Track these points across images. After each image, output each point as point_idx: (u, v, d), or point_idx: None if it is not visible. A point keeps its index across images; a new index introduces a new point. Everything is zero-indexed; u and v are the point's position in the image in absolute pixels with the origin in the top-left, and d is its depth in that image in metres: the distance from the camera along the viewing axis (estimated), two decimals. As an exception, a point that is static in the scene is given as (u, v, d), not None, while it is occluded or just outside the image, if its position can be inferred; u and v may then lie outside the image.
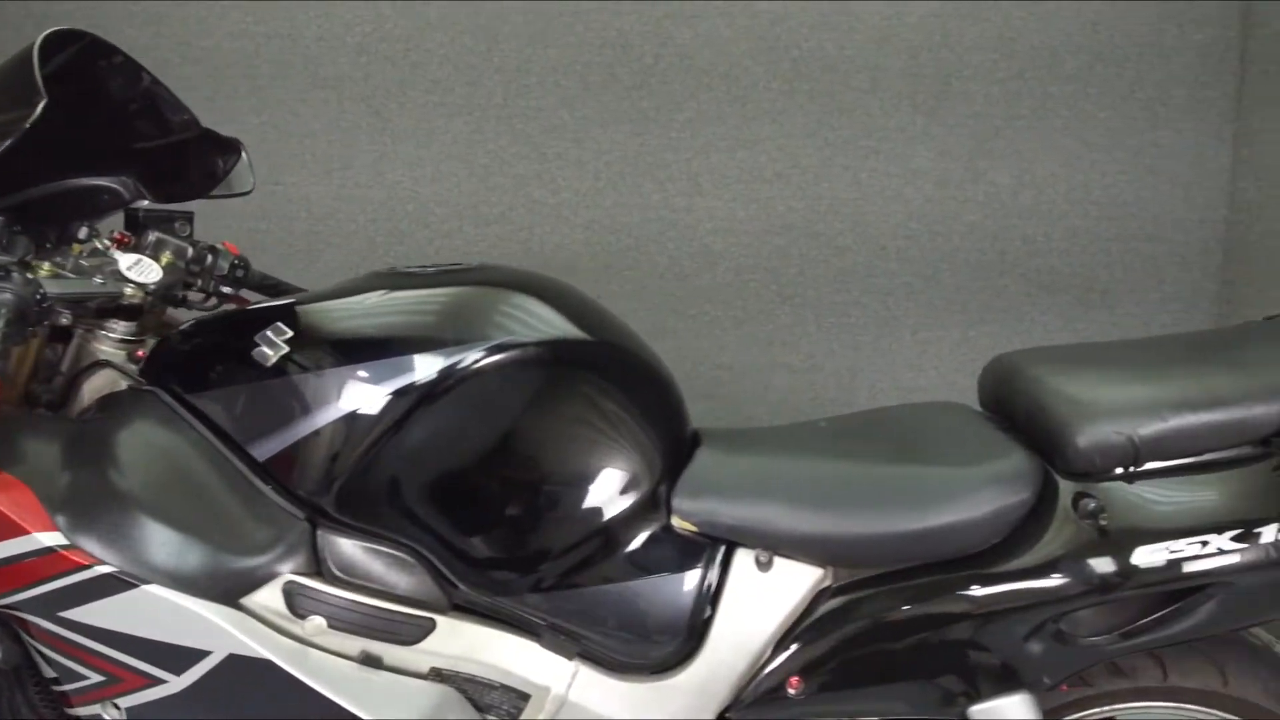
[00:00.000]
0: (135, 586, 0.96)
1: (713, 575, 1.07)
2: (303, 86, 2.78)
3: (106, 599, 0.96)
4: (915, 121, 2.78)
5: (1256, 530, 0.96)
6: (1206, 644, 1.12)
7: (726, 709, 1.06)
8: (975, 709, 1.03)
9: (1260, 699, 1.11)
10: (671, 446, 1.12)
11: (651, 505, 1.08)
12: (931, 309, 2.84)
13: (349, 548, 1.03)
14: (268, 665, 0.97)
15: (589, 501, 1.06)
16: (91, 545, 0.95)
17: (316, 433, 1.01)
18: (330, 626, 1.01)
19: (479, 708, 1.05)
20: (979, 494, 1.02)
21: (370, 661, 1.03)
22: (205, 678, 0.96)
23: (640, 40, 2.76)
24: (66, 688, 0.99)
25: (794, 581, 1.06)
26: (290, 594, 1.01)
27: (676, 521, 1.08)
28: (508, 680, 1.05)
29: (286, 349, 1.01)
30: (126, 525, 0.98)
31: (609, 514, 1.06)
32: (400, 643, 1.03)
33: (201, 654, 0.97)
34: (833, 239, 2.84)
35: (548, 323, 1.07)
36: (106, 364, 1.12)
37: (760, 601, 1.06)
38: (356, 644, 1.02)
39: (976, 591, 1.02)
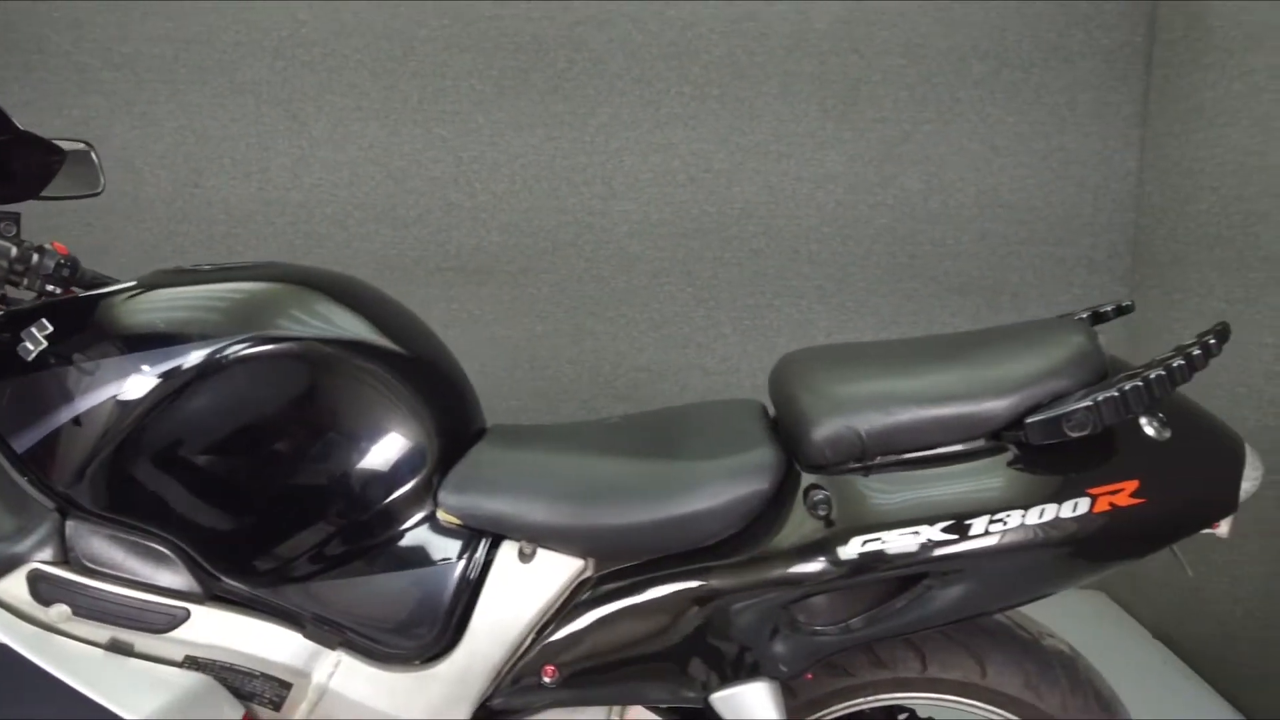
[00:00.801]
0: None
1: (476, 566, 1.10)
2: (221, 91, 2.82)
3: None
4: (825, 126, 2.80)
5: (967, 522, 0.99)
6: (967, 636, 1.15)
7: (488, 698, 1.10)
8: (716, 695, 1.06)
9: (1019, 692, 1.13)
10: (447, 441, 1.14)
11: (418, 498, 1.11)
12: (844, 311, 2.87)
13: (99, 537, 1.06)
14: (4, 650, 1.00)
15: (350, 495, 1.08)
16: None
17: (71, 423, 1.03)
18: (76, 614, 1.04)
19: (241, 696, 1.08)
20: (718, 485, 1.05)
21: (119, 649, 1.06)
22: None
23: (554, 45, 2.79)
24: None
25: (554, 572, 1.09)
26: (34, 581, 1.03)
27: (441, 514, 1.11)
28: (268, 669, 1.08)
29: (46, 343, 1.04)
30: None
31: (371, 507, 1.09)
32: (150, 631, 1.06)
33: None
34: (746, 242, 2.86)
35: (320, 317, 1.09)
36: None
37: (521, 592, 1.08)
38: (105, 632, 1.05)
39: (714, 580, 1.04)
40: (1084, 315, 1.24)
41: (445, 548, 1.11)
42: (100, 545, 1.07)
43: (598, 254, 2.88)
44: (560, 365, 2.93)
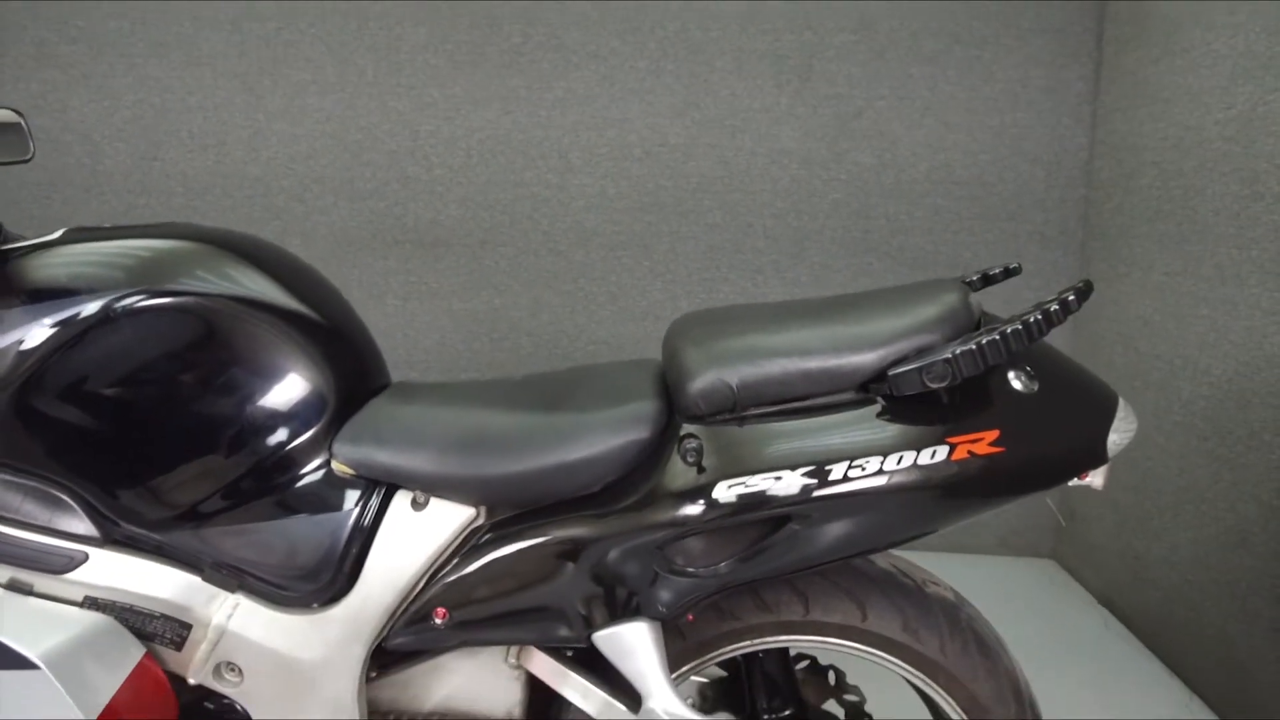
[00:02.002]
0: None
1: (370, 514, 1.13)
2: (178, 64, 2.83)
3: None
4: (780, 102, 2.83)
5: (827, 468, 1.02)
6: (849, 581, 1.19)
7: (383, 639, 1.13)
8: (599, 634, 1.10)
9: (898, 635, 1.17)
10: (344, 395, 1.17)
11: (313, 449, 1.14)
12: (798, 285, 2.90)
13: None
14: None
15: (243, 445, 1.11)
16: None
17: None
18: None
19: (143, 636, 1.12)
20: (600, 434, 1.08)
21: (18, 588, 1.09)
22: None
23: (509, 20, 2.81)
24: None
25: (446, 520, 1.12)
26: None
27: (336, 465, 1.14)
28: (168, 611, 1.11)
29: None
30: None
31: (265, 456, 1.12)
32: (49, 572, 1.10)
33: None
34: (702, 216, 2.89)
35: (220, 274, 1.12)
36: None
37: (413, 539, 1.12)
38: (4, 572, 1.09)
39: (595, 526, 1.08)
40: (974, 278, 1.27)
41: (340, 497, 1.14)
42: None
43: (555, 228, 2.91)
44: (519, 337, 2.97)
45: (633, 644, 1.09)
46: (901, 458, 1.01)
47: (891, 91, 2.81)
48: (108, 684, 1.06)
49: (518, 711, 1.20)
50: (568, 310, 2.95)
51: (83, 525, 1.11)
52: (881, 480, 1.02)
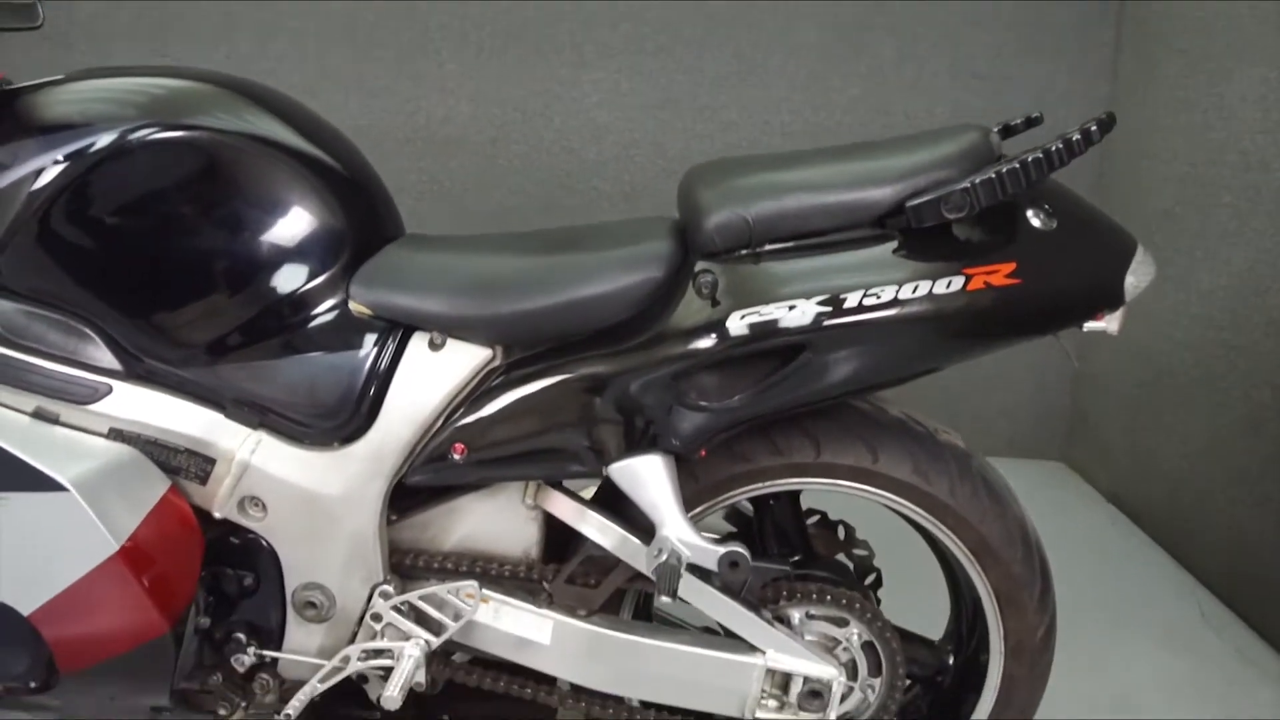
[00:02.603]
0: None
1: (387, 355, 1.14)
2: (185, -45, 2.79)
3: None
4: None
5: (842, 296, 1.02)
6: (860, 426, 1.19)
7: (403, 475, 1.16)
8: (614, 466, 1.12)
9: (908, 477, 1.18)
10: (361, 240, 1.17)
11: (330, 290, 1.15)
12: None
13: (20, 313, 1.11)
14: None
15: (261, 281, 1.12)
16: None
17: None
18: (1, 382, 1.10)
19: (168, 470, 1.14)
20: (613, 272, 1.08)
21: (45, 417, 1.12)
22: None
23: (520, -93, 2.74)
24: None
25: (463, 360, 1.13)
26: None
27: (353, 305, 1.15)
28: (192, 445, 1.14)
29: None
30: None
31: (282, 294, 1.13)
32: (74, 402, 1.12)
33: None
34: (717, 112, 2.85)
35: (237, 114, 1.11)
36: None
37: (431, 378, 1.13)
38: (30, 400, 1.11)
39: (611, 362, 1.09)
40: (995, 129, 1.25)
41: (358, 337, 1.15)
42: (23, 320, 1.11)
43: (567, 125, 2.87)
44: (531, 238, 2.95)
45: (647, 475, 1.11)
46: (917, 287, 1.01)
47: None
48: (134, 512, 1.08)
49: (534, 552, 1.23)
50: (581, 210, 2.93)
51: (106, 359, 1.13)
52: (896, 310, 1.02)
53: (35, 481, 1.04)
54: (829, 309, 1.02)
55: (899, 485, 1.18)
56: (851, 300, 1.02)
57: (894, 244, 1.04)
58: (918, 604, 1.43)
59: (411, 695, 1.21)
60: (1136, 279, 1.09)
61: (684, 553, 1.10)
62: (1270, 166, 2.05)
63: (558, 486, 1.21)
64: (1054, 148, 1.00)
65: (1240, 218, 2.16)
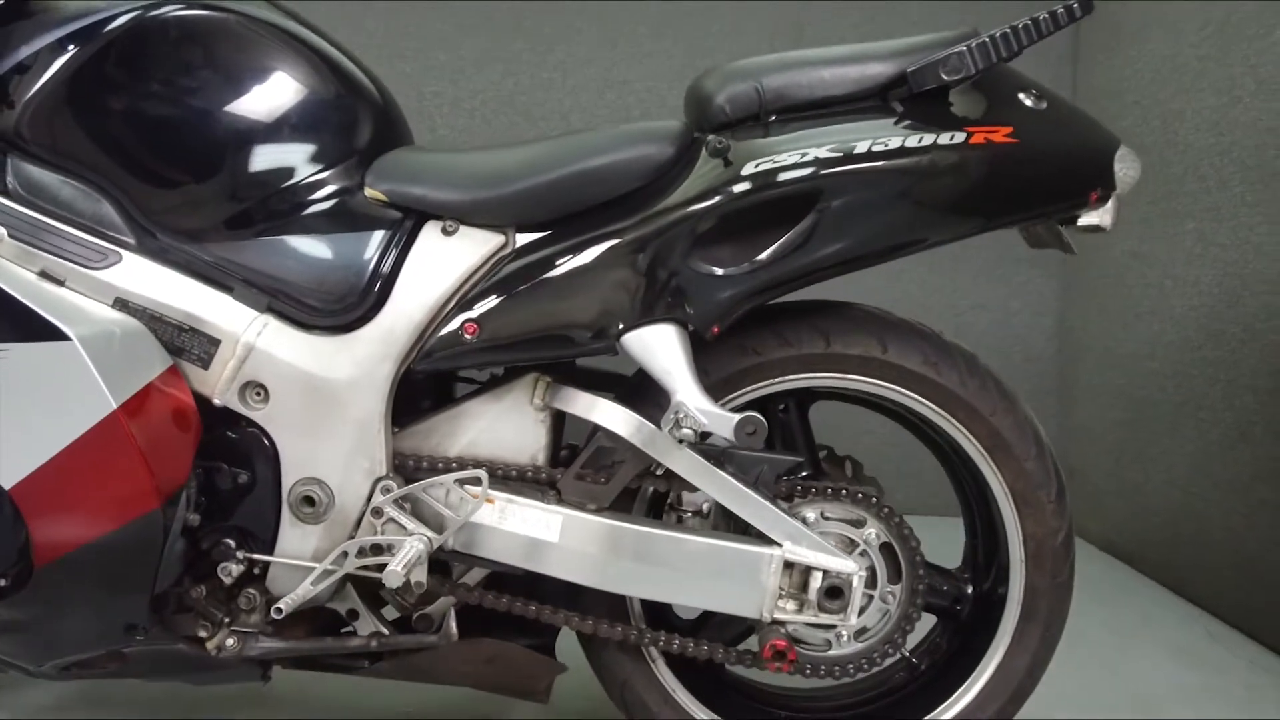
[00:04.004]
0: None
1: (400, 241, 1.15)
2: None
3: None
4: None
5: (851, 143, 1.06)
6: (868, 321, 1.20)
7: (412, 359, 1.13)
8: (627, 336, 1.10)
9: (919, 367, 1.18)
10: (375, 136, 1.21)
11: (344, 177, 1.17)
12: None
13: (37, 172, 1.10)
14: None
15: (280, 160, 1.14)
16: None
17: (13, 70, 1.08)
18: (11, 237, 1.08)
19: (171, 350, 1.12)
20: (624, 145, 1.12)
21: (50, 278, 1.09)
22: None
23: (514, -13, 2.94)
24: None
25: (475, 245, 1.13)
26: None
27: (368, 192, 1.16)
28: (197, 325, 1.11)
29: None
30: None
31: (300, 175, 1.14)
32: (84, 266, 1.09)
33: None
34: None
35: (255, 6, 1.17)
36: None
37: (443, 262, 1.13)
38: (38, 260, 1.09)
39: (621, 234, 1.10)
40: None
41: (370, 223, 1.16)
42: (38, 180, 1.11)
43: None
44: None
45: (660, 343, 1.10)
46: (922, 137, 1.06)
47: (880, 54, 2.93)
48: (134, 378, 1.05)
49: (541, 456, 1.20)
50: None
51: (119, 229, 1.12)
52: (903, 159, 1.06)
53: (37, 330, 1.01)
54: (838, 154, 1.06)
55: (909, 376, 1.18)
56: (860, 147, 1.06)
57: (898, 112, 1.09)
58: (926, 541, 1.39)
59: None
60: (1124, 168, 1.14)
61: (700, 419, 1.08)
62: (1229, 184, 2.16)
63: (566, 381, 1.20)
64: (1041, 17, 1.07)
65: (1204, 239, 2.25)
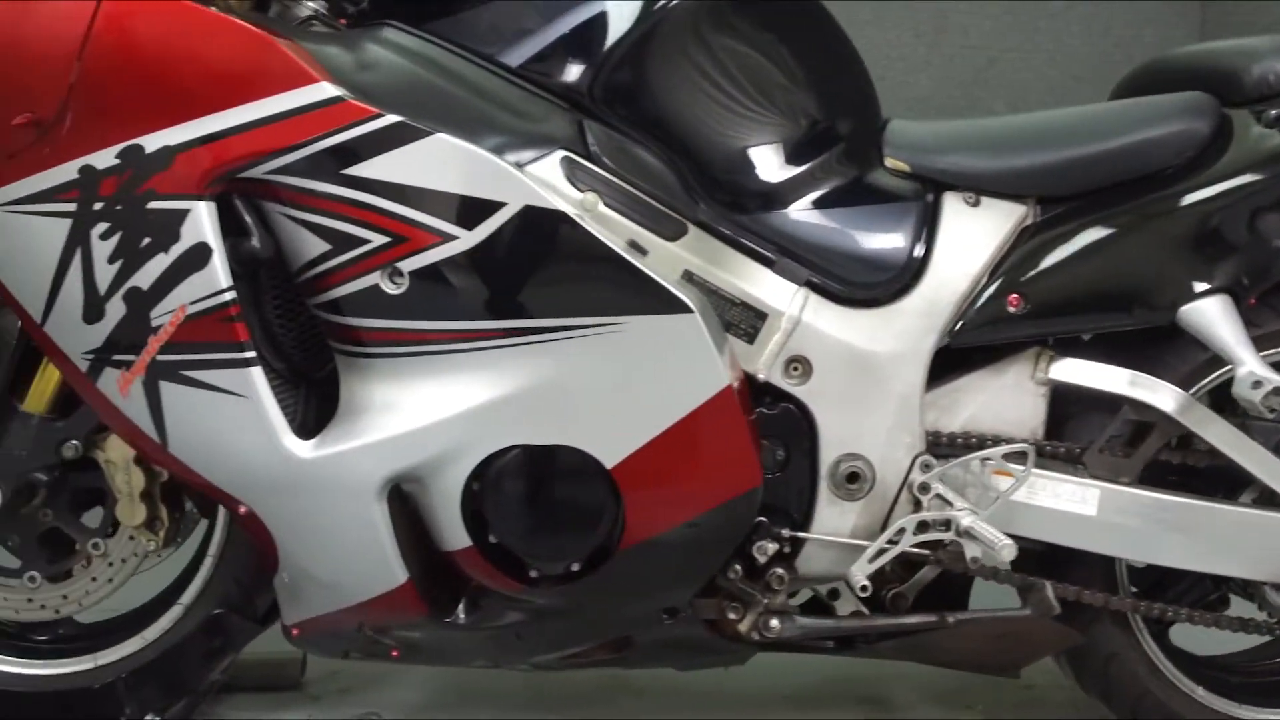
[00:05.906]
0: (428, 135, 0.93)
1: (927, 212, 1.14)
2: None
3: (397, 150, 0.92)
4: (917, 51, 2.97)
5: None
6: None
7: (955, 331, 1.11)
8: (1183, 309, 1.10)
9: None
10: (875, 106, 1.21)
11: (865, 147, 1.17)
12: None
13: (617, 138, 1.07)
14: (562, 218, 0.95)
15: (815, 130, 1.14)
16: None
17: (572, 33, 1.06)
18: (605, 205, 1.02)
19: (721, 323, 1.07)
20: (1163, 118, 1.13)
21: (637, 249, 1.02)
22: (497, 232, 0.93)
23: None
24: (336, 261, 0.94)
25: (1002, 216, 1.12)
26: (569, 166, 1.01)
27: (890, 162, 1.15)
28: (746, 299, 1.08)
29: None
30: (410, 82, 0.99)
31: (830, 145, 1.14)
32: (663, 237, 1.05)
33: (495, 206, 0.93)
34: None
35: None
36: (312, 18, 1.10)
37: (975, 233, 1.11)
38: (625, 230, 1.03)
39: (1172, 202, 1.11)
40: None
41: (896, 193, 1.15)
42: (615, 147, 1.06)
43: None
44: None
45: (1219, 314, 1.10)
46: None
47: (1020, 44, 2.99)
48: (724, 351, 1.02)
49: (1040, 432, 1.18)
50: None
51: (681, 199, 1.09)
52: None
53: (660, 303, 0.96)
54: None
55: None
56: None
57: None
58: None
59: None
60: None
61: (1275, 379, 1.08)
62: None
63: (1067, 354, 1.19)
64: None
65: None
